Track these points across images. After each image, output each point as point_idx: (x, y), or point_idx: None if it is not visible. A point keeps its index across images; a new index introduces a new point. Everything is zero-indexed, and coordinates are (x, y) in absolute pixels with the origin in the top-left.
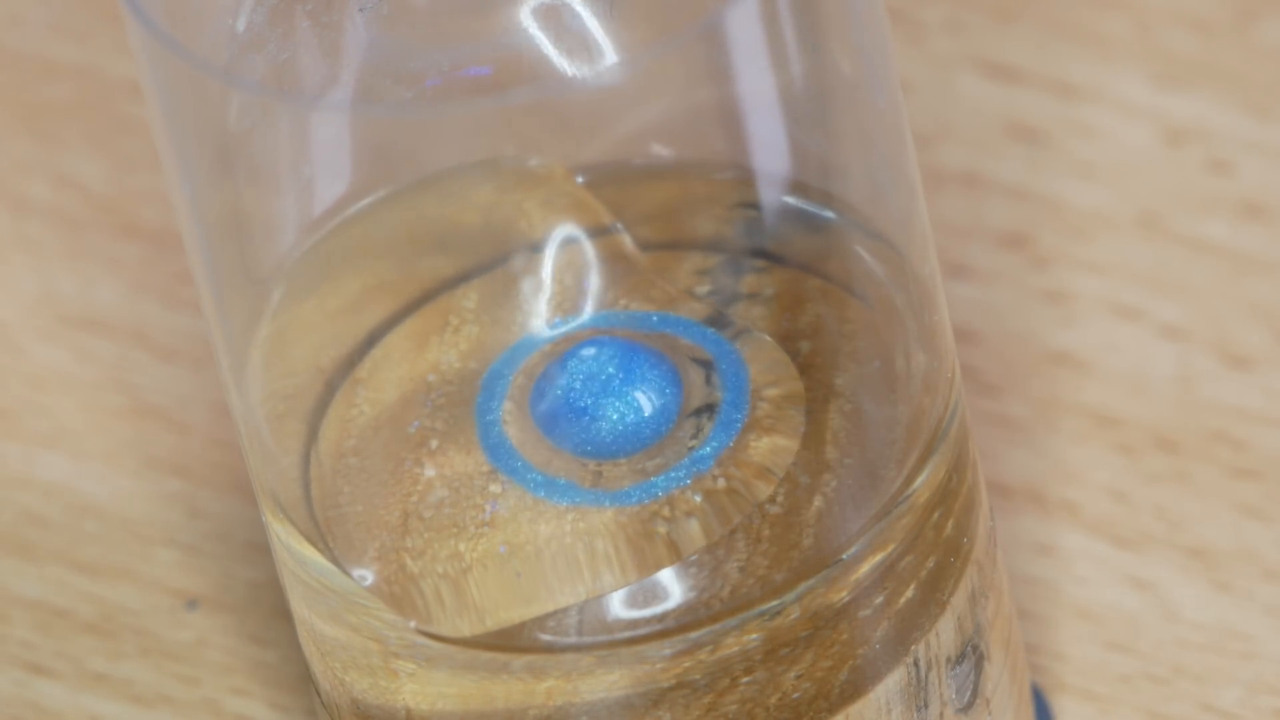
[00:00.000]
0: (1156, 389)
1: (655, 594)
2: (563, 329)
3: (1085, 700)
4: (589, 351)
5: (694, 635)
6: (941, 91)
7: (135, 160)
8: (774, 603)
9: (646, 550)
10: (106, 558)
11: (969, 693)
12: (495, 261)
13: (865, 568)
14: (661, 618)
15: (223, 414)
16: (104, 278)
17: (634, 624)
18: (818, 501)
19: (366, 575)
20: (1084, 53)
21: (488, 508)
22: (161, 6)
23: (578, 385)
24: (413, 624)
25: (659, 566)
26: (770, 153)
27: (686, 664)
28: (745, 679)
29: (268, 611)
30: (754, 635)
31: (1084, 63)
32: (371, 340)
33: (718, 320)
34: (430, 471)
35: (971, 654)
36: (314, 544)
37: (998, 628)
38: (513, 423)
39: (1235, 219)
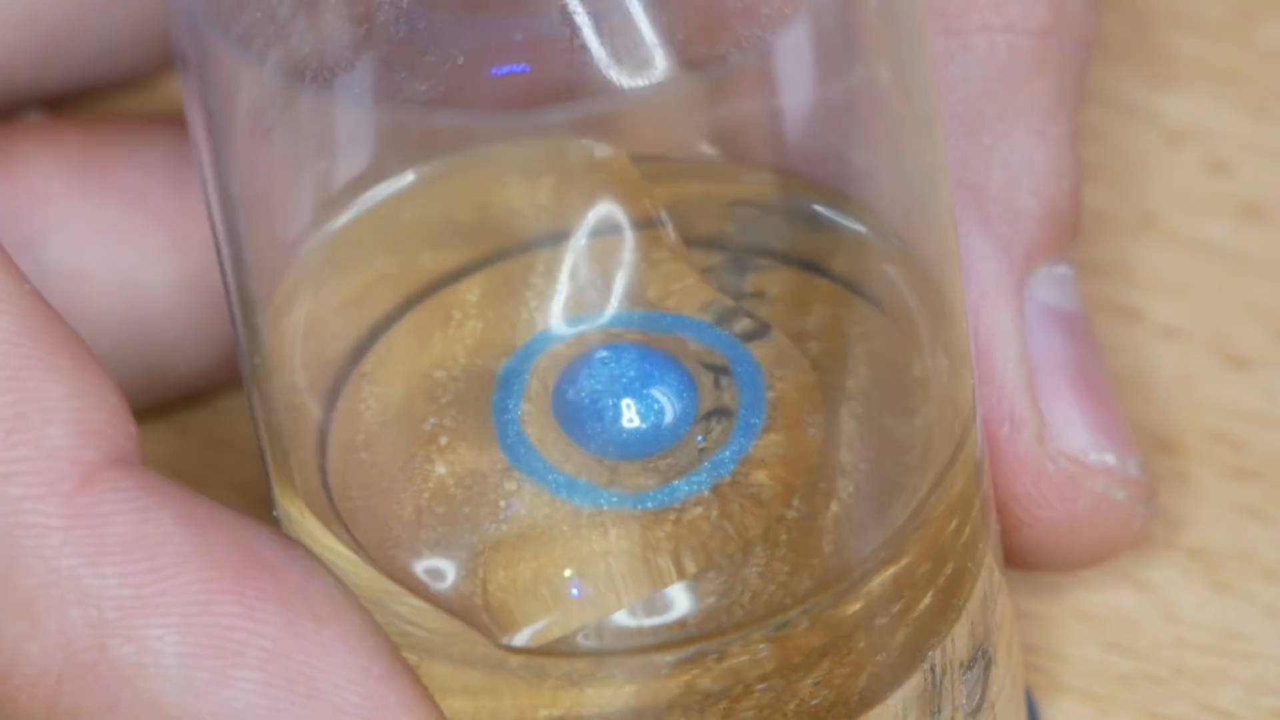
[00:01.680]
0: (1155, 389)
1: (670, 602)
2: (575, 329)
3: (1084, 700)
4: (609, 354)
5: (709, 645)
6: None
7: None
8: (793, 611)
9: (665, 558)
10: None
11: (978, 696)
12: (499, 255)
13: (883, 577)
14: (674, 626)
15: (222, 414)
16: None
17: (645, 632)
18: (835, 508)
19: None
20: None
21: (504, 505)
22: None
23: (599, 387)
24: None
25: (676, 576)
26: (793, 152)
27: (696, 671)
28: (760, 686)
29: None
30: (765, 645)
31: None
32: (377, 333)
33: (736, 317)
34: (443, 469)
35: (981, 658)
36: (332, 532)
37: (1003, 631)
38: (532, 421)
39: (1235, 219)
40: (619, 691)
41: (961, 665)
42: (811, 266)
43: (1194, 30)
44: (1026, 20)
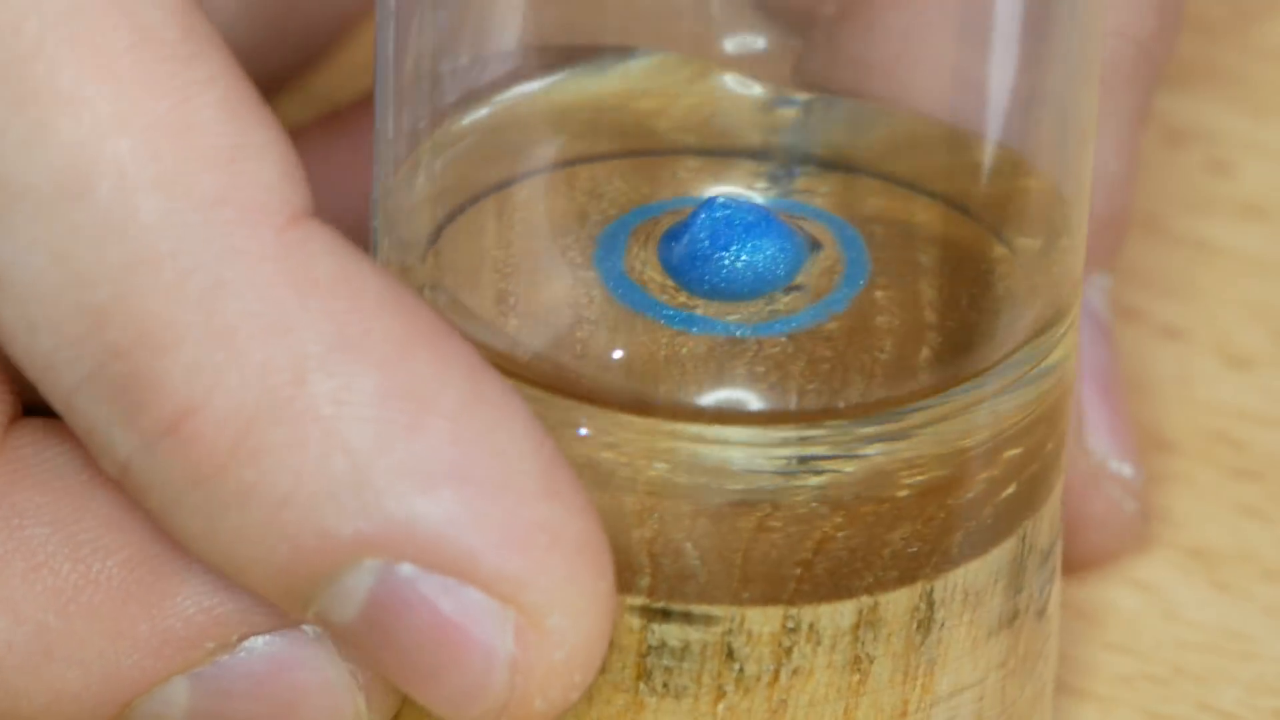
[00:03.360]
0: (1156, 389)
1: (783, 388)
2: (678, 203)
3: (1084, 700)
4: (720, 203)
5: (818, 434)
6: None
7: None
8: (907, 416)
9: (778, 371)
10: None
11: (1045, 597)
12: (627, 152)
13: (1012, 422)
14: (785, 399)
15: None
16: None
17: (754, 414)
18: (946, 330)
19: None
20: None
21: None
22: None
23: (708, 233)
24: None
25: (791, 381)
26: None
27: (804, 480)
28: (873, 510)
29: None
30: (875, 455)
31: None
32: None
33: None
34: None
35: (1051, 558)
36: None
37: (1057, 559)
38: (635, 272)
39: (1235, 219)
40: (701, 506)
41: (1041, 553)
42: (855, 168)
43: (1194, 30)
44: (1136, 27)
